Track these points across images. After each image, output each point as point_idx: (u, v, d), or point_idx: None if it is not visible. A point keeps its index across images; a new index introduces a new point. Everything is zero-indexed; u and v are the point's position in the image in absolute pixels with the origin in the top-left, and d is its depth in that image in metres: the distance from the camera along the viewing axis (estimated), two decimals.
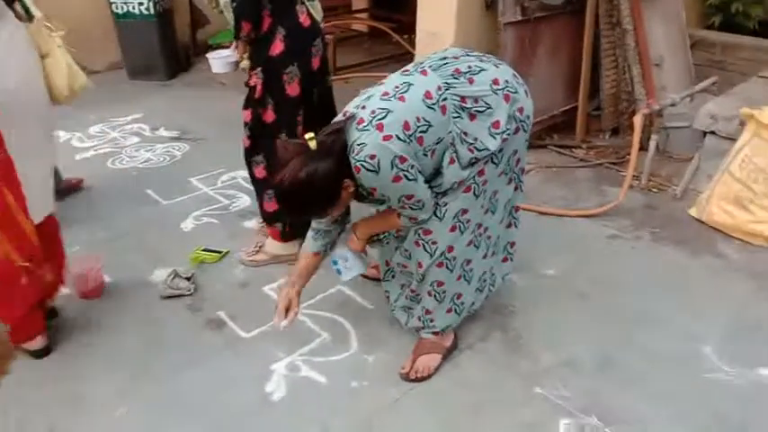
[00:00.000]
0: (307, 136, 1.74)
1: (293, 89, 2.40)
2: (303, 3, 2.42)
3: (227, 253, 2.82)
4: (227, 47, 6.31)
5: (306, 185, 1.71)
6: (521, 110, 1.94)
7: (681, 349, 2.26)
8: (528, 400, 2.05)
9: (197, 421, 1.96)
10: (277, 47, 2.36)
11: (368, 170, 1.72)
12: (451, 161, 1.86)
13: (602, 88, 3.97)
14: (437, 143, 1.80)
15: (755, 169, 2.88)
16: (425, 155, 1.80)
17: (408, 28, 5.89)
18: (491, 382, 2.13)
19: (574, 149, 3.96)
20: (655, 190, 3.45)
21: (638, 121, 3.28)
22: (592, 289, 2.59)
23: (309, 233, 2.13)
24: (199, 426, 1.95)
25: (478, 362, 2.22)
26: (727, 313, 2.45)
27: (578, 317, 2.44)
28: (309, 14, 2.43)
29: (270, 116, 2.45)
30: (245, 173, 3.63)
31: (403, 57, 5.65)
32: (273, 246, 2.74)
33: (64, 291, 2.49)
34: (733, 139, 3.10)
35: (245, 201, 3.33)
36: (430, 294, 2.09)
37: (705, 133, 3.35)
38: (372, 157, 1.70)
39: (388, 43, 5.96)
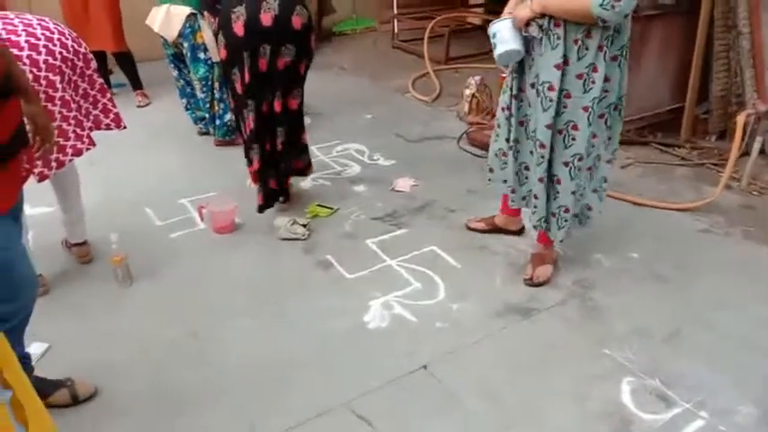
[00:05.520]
0: None
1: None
2: None
3: (337, 210, 3.20)
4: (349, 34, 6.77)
5: None
6: None
7: (752, 334, 2.36)
8: (595, 358, 2.25)
9: (304, 336, 2.34)
10: None
11: None
12: None
13: (712, 90, 3.99)
14: None
15: None
16: None
17: None
18: (563, 339, 2.35)
19: (677, 148, 4.00)
20: (755, 192, 3.46)
21: (740, 120, 3.32)
22: (673, 273, 2.72)
23: None
24: (306, 339, 2.32)
25: (554, 322, 2.44)
26: None
27: (655, 295, 2.59)
28: None
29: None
30: (357, 145, 4.04)
31: None
32: None
33: (201, 225, 2.99)
34: None
35: (356, 169, 3.71)
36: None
37: None
38: None
39: None
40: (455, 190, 3.42)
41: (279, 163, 3.05)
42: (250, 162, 3.03)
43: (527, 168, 2.58)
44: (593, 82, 2.24)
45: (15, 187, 1.66)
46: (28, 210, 2.80)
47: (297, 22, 2.77)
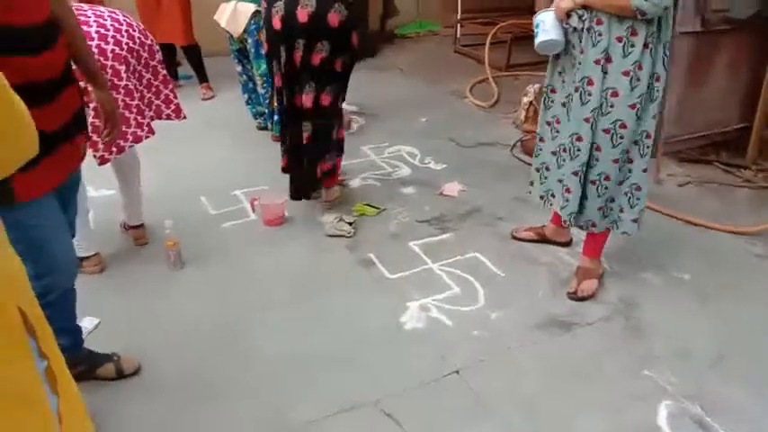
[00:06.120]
0: None
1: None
2: None
3: (384, 210, 3.23)
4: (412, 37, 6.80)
5: None
6: None
7: None
8: (635, 378, 2.19)
9: (341, 332, 2.38)
10: None
11: None
12: None
13: None
14: None
15: None
16: None
17: None
18: (603, 356, 2.29)
19: (741, 169, 3.85)
20: None
21: None
22: (721, 295, 2.62)
23: None
24: (342, 335, 2.36)
25: (596, 338, 2.39)
26: None
27: (701, 317, 2.50)
28: None
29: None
30: (409, 147, 4.07)
31: None
32: None
33: (252, 216, 3.08)
34: None
35: (406, 171, 3.73)
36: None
37: None
38: None
39: None
40: (504, 197, 3.40)
41: (303, 157, 3.10)
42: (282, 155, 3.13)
43: (548, 169, 2.60)
44: (639, 79, 2.22)
45: (61, 173, 1.70)
46: (91, 192, 2.97)
47: (334, 19, 2.81)
